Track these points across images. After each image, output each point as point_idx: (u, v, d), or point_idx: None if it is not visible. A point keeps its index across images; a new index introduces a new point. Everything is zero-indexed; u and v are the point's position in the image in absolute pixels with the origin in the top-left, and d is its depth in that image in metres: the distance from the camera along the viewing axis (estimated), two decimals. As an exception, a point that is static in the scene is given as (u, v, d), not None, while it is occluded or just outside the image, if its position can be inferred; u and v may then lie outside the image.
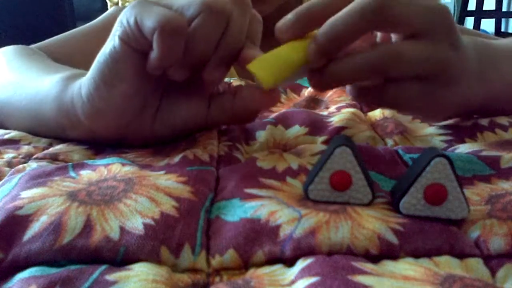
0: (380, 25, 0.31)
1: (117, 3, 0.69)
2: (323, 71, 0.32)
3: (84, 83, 0.34)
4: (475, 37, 0.39)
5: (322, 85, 0.33)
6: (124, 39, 0.32)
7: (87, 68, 0.35)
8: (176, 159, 0.32)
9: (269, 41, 0.34)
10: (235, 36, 0.32)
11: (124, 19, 0.32)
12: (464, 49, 0.34)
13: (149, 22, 0.30)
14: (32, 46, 0.57)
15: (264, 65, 0.32)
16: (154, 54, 0.31)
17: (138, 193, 0.26)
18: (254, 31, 0.34)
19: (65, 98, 0.36)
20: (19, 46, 0.54)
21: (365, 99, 0.35)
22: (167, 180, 0.27)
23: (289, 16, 0.33)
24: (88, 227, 0.23)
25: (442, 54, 0.32)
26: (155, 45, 0.30)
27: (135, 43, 0.32)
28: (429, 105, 0.34)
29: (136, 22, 0.31)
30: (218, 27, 0.32)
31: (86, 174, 0.29)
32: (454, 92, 0.34)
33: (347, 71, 0.32)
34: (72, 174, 0.29)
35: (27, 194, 0.26)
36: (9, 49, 0.52)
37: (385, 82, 0.33)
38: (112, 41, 0.33)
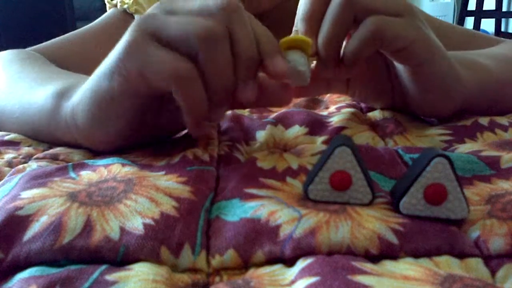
0: (355, 15, 0.34)
1: (115, 5, 0.69)
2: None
3: (78, 108, 0.33)
4: (456, 52, 0.43)
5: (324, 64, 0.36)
6: (124, 86, 0.31)
7: (84, 71, 0.35)
8: (176, 159, 0.32)
9: None
10: (246, 48, 0.31)
11: (122, 68, 0.30)
12: (429, 29, 0.37)
13: (158, 78, 0.29)
14: (29, 49, 0.57)
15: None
16: (184, 113, 0.31)
17: (138, 194, 0.26)
18: (260, 31, 0.32)
19: (58, 119, 0.36)
20: (16, 50, 0.53)
21: (357, 43, 0.35)
22: (167, 181, 0.27)
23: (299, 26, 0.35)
24: (88, 227, 0.23)
25: (417, 23, 0.35)
26: (177, 99, 0.30)
27: (137, 90, 0.31)
28: (413, 45, 0.35)
29: (140, 74, 0.30)
30: (224, 53, 0.30)
31: (86, 175, 0.29)
32: (429, 71, 0.37)
33: (354, 46, 0.34)
34: (72, 175, 0.29)
35: (27, 194, 0.26)
36: (4, 55, 0.51)
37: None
38: (111, 81, 0.31)
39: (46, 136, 0.39)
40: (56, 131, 0.37)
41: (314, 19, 0.35)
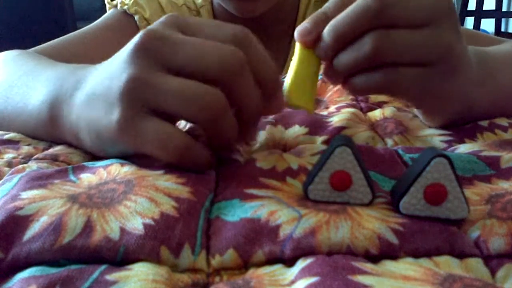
0: (381, 23, 0.32)
1: (116, 6, 0.69)
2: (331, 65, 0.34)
3: (81, 132, 0.33)
4: (475, 46, 0.40)
5: (332, 77, 0.35)
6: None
7: None
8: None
9: (264, 42, 0.34)
10: (263, 64, 0.31)
11: (119, 141, 0.30)
12: (464, 42, 0.35)
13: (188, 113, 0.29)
14: (30, 50, 0.57)
15: (300, 94, 0.33)
16: (214, 142, 0.31)
17: (138, 194, 0.26)
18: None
19: (57, 132, 0.36)
20: (16, 51, 0.53)
21: (365, 84, 0.34)
22: (166, 181, 0.27)
23: (308, 21, 0.33)
24: (88, 227, 0.23)
25: (444, 39, 0.33)
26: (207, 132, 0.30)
27: None
28: (427, 94, 0.35)
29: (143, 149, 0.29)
30: (248, 78, 0.30)
31: (86, 178, 0.29)
32: (453, 83, 0.35)
33: (349, 61, 0.33)
34: (73, 178, 0.29)
35: (27, 195, 0.26)
36: (4, 55, 0.51)
37: (385, 66, 0.33)
38: (112, 129, 0.30)
39: (44, 138, 0.39)
40: (55, 139, 0.37)
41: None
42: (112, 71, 0.31)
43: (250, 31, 0.31)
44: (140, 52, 0.29)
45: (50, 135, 0.38)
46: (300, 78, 0.33)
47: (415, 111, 0.42)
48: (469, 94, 0.37)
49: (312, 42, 0.33)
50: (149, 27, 0.31)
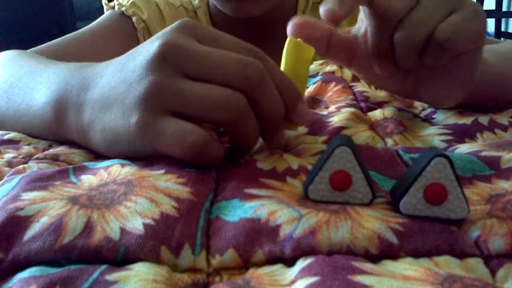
0: None
1: (113, 7, 0.69)
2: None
3: (93, 133, 0.33)
4: None
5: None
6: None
7: None
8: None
9: (261, 43, 0.34)
10: (282, 77, 0.32)
11: (136, 141, 0.30)
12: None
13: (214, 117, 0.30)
14: (27, 51, 0.57)
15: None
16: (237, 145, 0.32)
17: (138, 195, 0.26)
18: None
19: (63, 133, 0.36)
20: (12, 51, 0.53)
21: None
22: (167, 181, 0.27)
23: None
24: (88, 228, 0.23)
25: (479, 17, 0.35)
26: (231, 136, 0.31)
27: None
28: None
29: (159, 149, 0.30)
30: (270, 87, 0.30)
31: (87, 179, 0.29)
32: (472, 59, 0.37)
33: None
34: (73, 179, 0.29)
35: (28, 195, 0.26)
36: (3, 55, 0.51)
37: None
38: (131, 130, 0.30)
39: (49, 138, 0.39)
40: (61, 138, 0.37)
41: None
42: (129, 76, 0.31)
43: (264, 53, 0.32)
44: (160, 60, 0.29)
45: (55, 135, 0.38)
46: (289, 75, 0.33)
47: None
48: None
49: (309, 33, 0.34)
50: (166, 34, 0.31)
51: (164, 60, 0.29)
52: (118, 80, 0.32)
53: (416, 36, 0.34)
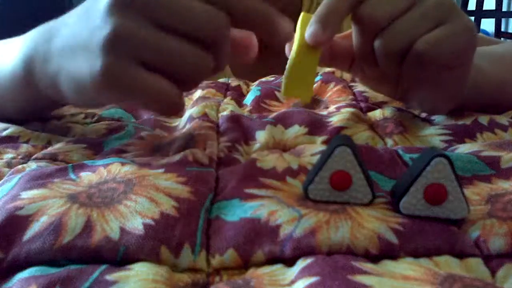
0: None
1: None
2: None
3: (61, 84, 0.32)
4: None
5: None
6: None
7: None
8: (177, 157, 0.32)
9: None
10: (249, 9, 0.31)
11: (103, 91, 0.29)
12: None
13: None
14: None
15: (296, 85, 0.34)
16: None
17: (138, 194, 0.26)
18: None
19: (33, 91, 0.36)
20: None
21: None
22: (167, 180, 0.27)
23: (316, 23, 0.33)
24: (88, 227, 0.23)
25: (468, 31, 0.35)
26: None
27: None
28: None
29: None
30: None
31: (86, 176, 0.29)
32: (463, 72, 0.37)
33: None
34: (72, 176, 0.29)
35: (27, 194, 0.26)
36: None
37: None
38: (96, 79, 0.29)
39: (22, 100, 0.39)
40: (32, 97, 0.37)
41: None
42: (92, 20, 0.29)
43: None
44: (122, 2, 0.28)
45: (26, 95, 0.37)
46: (298, 66, 0.33)
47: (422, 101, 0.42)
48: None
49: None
50: None
51: (127, 3, 0.28)
52: (81, 25, 0.31)
53: (395, 45, 0.34)
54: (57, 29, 0.34)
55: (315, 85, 0.51)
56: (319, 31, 0.33)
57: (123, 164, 0.30)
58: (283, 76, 0.34)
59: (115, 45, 0.28)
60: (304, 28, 0.34)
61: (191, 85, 0.31)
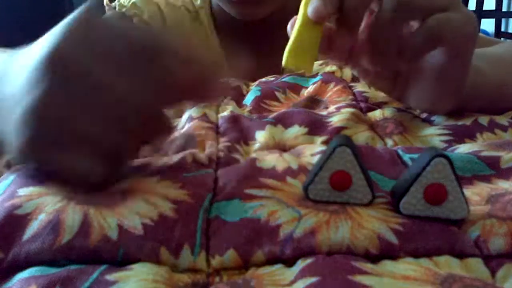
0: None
1: (114, 8, 0.69)
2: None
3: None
4: None
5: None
6: None
7: None
8: (175, 158, 0.31)
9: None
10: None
11: None
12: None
13: None
14: None
15: (297, 57, 0.34)
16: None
17: (135, 198, 0.26)
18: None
19: None
20: None
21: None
22: (163, 187, 0.27)
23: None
24: (85, 224, 0.23)
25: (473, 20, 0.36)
26: None
27: None
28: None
29: None
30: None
31: None
32: (463, 63, 0.37)
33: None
34: None
35: (24, 191, 0.26)
36: None
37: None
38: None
39: None
40: None
41: None
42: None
43: None
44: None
45: None
46: (300, 38, 0.34)
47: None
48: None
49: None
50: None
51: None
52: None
53: (410, 15, 0.35)
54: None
55: (315, 86, 0.51)
56: (321, 6, 0.34)
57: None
58: (285, 50, 0.35)
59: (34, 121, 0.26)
60: (307, 6, 0.35)
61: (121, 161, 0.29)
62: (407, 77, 0.41)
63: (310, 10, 0.34)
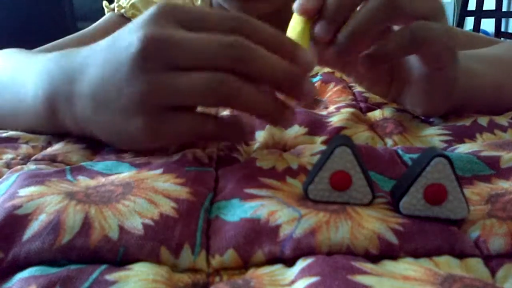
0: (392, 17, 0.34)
1: (113, 9, 0.69)
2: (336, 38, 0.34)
3: (95, 131, 0.34)
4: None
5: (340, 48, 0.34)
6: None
7: None
8: (175, 157, 0.32)
9: None
10: (270, 38, 0.31)
11: (147, 142, 0.32)
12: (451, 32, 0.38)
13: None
14: (22, 49, 0.57)
15: None
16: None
17: (137, 195, 0.26)
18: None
19: (58, 123, 0.36)
20: (7, 49, 0.52)
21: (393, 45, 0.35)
22: (165, 182, 0.27)
23: None
24: (86, 225, 0.23)
25: (450, 33, 0.36)
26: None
27: None
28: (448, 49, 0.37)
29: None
30: (258, 54, 0.30)
31: (83, 180, 0.29)
32: (446, 74, 0.38)
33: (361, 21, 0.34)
34: (70, 178, 0.29)
35: (25, 192, 0.26)
36: (2, 52, 0.51)
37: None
38: (141, 135, 0.31)
39: (47, 133, 0.39)
40: (59, 132, 0.37)
41: None
42: (115, 75, 0.31)
43: (248, 16, 0.31)
44: (144, 57, 0.29)
45: (53, 129, 0.37)
46: (291, 34, 0.34)
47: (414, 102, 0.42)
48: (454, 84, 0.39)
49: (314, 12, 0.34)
50: (145, 26, 0.30)
51: (150, 56, 0.29)
52: (104, 75, 0.32)
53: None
54: (79, 71, 0.34)
55: (315, 85, 0.51)
56: (304, 1, 0.34)
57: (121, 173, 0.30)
58: None
59: (146, 102, 0.30)
60: None
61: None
62: (400, 82, 0.41)
63: (295, 5, 0.34)
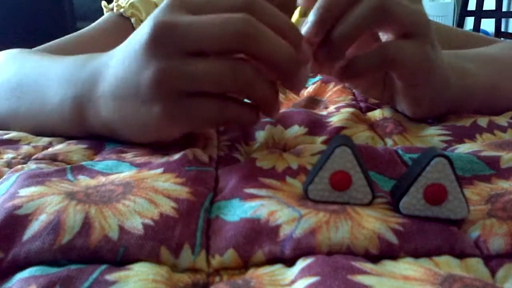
0: (380, 22, 0.35)
1: (112, 9, 0.69)
2: (326, 43, 0.34)
3: (119, 129, 0.35)
4: (449, 51, 0.44)
5: (329, 55, 0.35)
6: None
7: None
8: (176, 156, 0.32)
9: None
10: (278, 21, 0.32)
11: (168, 128, 0.32)
12: (440, 51, 0.39)
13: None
14: (28, 49, 0.57)
15: None
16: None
17: (137, 195, 0.26)
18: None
19: (86, 129, 0.37)
20: (13, 49, 0.53)
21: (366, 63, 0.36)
22: (165, 182, 0.27)
23: (311, 18, 0.34)
24: (86, 225, 0.23)
25: (425, 54, 0.37)
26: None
27: None
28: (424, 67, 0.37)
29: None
30: (266, 37, 0.31)
31: (84, 179, 0.29)
32: (431, 84, 0.39)
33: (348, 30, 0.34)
34: (70, 178, 0.29)
35: (25, 192, 0.26)
36: (5, 53, 0.51)
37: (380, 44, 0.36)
38: (158, 123, 0.32)
39: (71, 135, 0.39)
40: (86, 134, 0.38)
41: None
42: (133, 66, 0.31)
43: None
44: (156, 43, 0.30)
45: (78, 131, 0.38)
46: None
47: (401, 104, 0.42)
48: (446, 83, 0.40)
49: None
50: (156, 15, 0.31)
51: (160, 42, 0.30)
52: (124, 70, 0.32)
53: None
54: (100, 72, 0.35)
55: (314, 86, 0.51)
56: (310, 31, 0.34)
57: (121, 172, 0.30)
58: None
59: (163, 88, 0.30)
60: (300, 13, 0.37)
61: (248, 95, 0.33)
62: (391, 88, 0.41)
63: (303, 31, 0.35)
